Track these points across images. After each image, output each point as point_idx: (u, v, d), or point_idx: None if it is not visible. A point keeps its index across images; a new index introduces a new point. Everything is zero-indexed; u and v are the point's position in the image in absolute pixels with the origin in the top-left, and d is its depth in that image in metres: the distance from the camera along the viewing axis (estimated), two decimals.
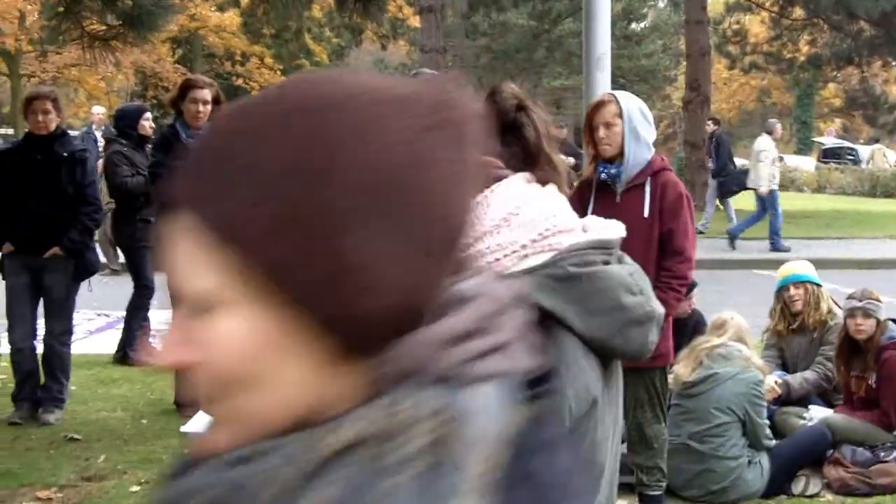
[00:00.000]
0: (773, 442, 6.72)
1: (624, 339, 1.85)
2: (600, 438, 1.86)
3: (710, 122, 25.94)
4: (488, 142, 1.92)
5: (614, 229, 1.95)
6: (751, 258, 19.71)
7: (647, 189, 5.73)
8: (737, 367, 6.64)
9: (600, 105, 5.74)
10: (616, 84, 6.50)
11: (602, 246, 1.88)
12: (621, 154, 5.71)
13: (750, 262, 19.22)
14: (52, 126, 8.10)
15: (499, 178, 1.89)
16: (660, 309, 1.92)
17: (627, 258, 1.97)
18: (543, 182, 1.96)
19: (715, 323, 6.97)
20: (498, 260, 1.84)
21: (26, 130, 8.29)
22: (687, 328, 7.67)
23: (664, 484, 6.03)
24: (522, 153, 1.94)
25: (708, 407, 6.58)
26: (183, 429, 2.08)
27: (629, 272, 1.89)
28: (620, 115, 5.67)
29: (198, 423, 2.12)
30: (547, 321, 1.81)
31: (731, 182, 23.57)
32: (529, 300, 1.79)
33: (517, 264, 1.83)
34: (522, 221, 1.86)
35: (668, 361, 5.91)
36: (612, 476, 1.98)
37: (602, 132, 5.69)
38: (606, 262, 1.88)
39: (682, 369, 6.56)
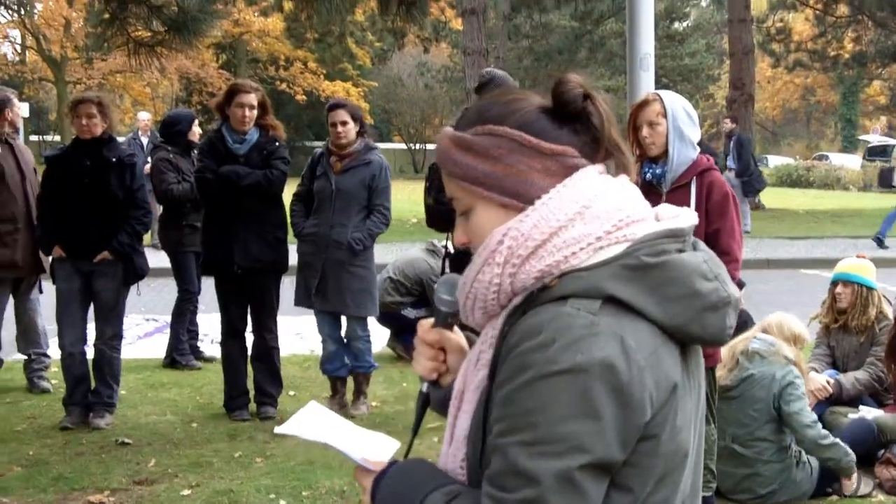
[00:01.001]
0: (823, 433, 6.60)
1: (701, 325, 1.87)
2: (681, 424, 1.87)
3: (727, 121, 25.74)
4: (558, 132, 1.95)
5: (686, 217, 1.98)
6: (797, 258, 19.58)
7: (693, 189, 5.71)
8: (773, 366, 6.57)
9: (644, 104, 5.73)
10: (659, 84, 6.50)
11: (675, 235, 1.92)
12: (666, 153, 5.70)
13: (796, 262, 19.10)
14: (98, 130, 8.14)
15: (575, 167, 1.92)
16: (736, 294, 1.95)
17: (702, 245, 2.00)
18: (615, 171, 1.99)
19: (760, 326, 6.91)
20: (574, 254, 1.87)
21: (74, 136, 8.35)
22: (736, 328, 7.64)
23: (714, 485, 6.00)
24: (592, 141, 1.96)
25: (747, 410, 6.53)
26: (277, 430, 2.13)
27: (703, 259, 1.92)
28: (664, 114, 5.66)
29: (293, 424, 2.17)
30: (621, 310, 1.82)
31: (755, 181, 23.42)
32: (603, 291, 1.81)
33: (592, 257, 1.87)
34: (596, 214, 1.89)
35: (716, 362, 5.88)
36: (696, 461, 2.01)
37: (646, 131, 5.69)
38: (680, 251, 1.90)
39: (719, 371, 6.50)
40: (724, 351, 6.55)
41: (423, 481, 1.98)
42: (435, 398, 2.22)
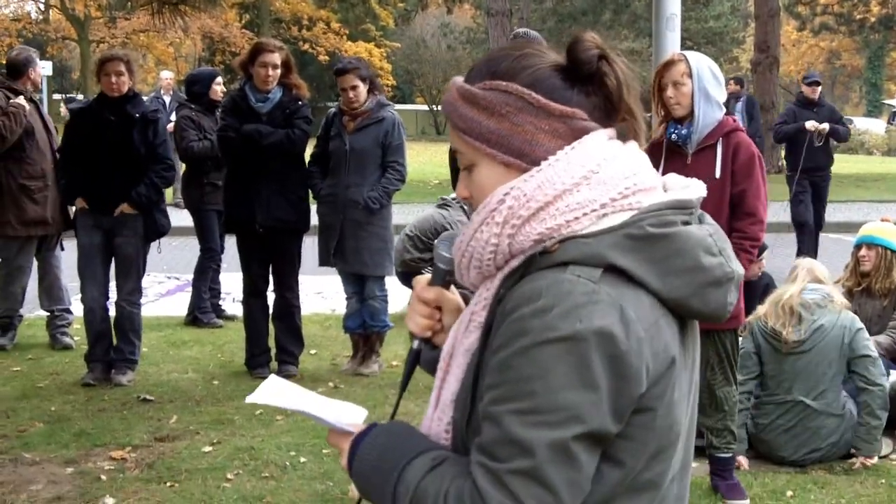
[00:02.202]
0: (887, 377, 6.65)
1: (702, 300, 1.83)
2: (677, 398, 1.84)
3: (730, 82, 25.03)
4: (569, 93, 1.90)
5: (694, 189, 1.93)
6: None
7: (719, 150, 5.68)
8: (835, 314, 6.53)
9: (670, 64, 5.69)
10: (684, 46, 6.46)
11: (682, 206, 1.86)
12: (692, 114, 5.66)
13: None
14: (125, 88, 8.16)
15: (583, 130, 1.87)
16: (739, 270, 1.90)
17: (708, 218, 1.95)
18: (625, 136, 1.94)
19: (794, 271, 6.82)
20: (577, 219, 1.82)
21: (99, 92, 8.36)
22: (757, 291, 7.62)
23: (734, 446, 6.00)
24: (604, 104, 1.91)
25: (819, 361, 6.47)
26: (248, 399, 2.09)
27: (709, 233, 1.87)
28: (690, 75, 5.62)
29: (260, 394, 2.13)
30: (622, 280, 1.78)
31: (761, 147, 23.23)
32: (605, 260, 1.78)
33: (595, 223, 1.82)
34: (602, 179, 1.84)
35: (739, 323, 5.86)
36: (687, 438, 1.97)
37: (671, 91, 5.65)
38: (686, 223, 1.86)
39: (782, 329, 6.45)
40: (774, 308, 6.51)
41: (406, 445, 1.92)
42: (426, 357, 2.16)
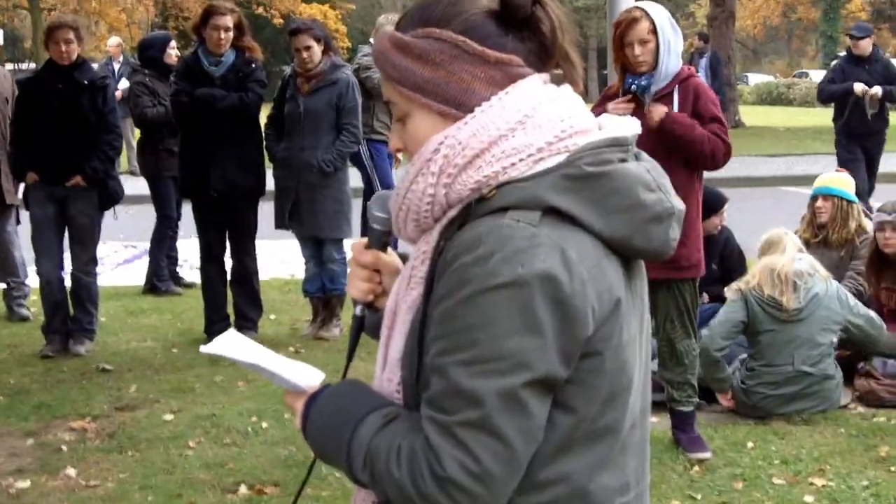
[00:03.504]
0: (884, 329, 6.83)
1: (645, 237, 1.81)
2: (625, 340, 1.82)
3: (696, 38, 24.54)
4: (504, 39, 1.86)
5: (629, 126, 1.90)
6: (777, 175, 19.57)
7: (675, 96, 5.71)
8: (825, 282, 6.66)
9: (633, 22, 5.63)
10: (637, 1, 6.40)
11: (618, 143, 1.84)
12: (654, 67, 5.66)
13: (777, 180, 19.10)
14: (74, 55, 8.03)
15: (519, 77, 1.84)
16: (680, 205, 1.88)
17: (644, 155, 1.93)
18: (559, 81, 1.90)
19: (772, 240, 6.86)
20: (514, 164, 1.80)
21: (47, 59, 8.24)
22: (717, 245, 7.64)
23: (696, 400, 6.02)
24: (539, 50, 1.88)
25: (817, 328, 6.54)
26: (202, 349, 2.07)
27: (646, 168, 1.85)
28: (654, 31, 5.60)
29: (215, 346, 2.10)
30: (563, 222, 1.75)
31: (722, 102, 23.31)
32: (543, 202, 1.75)
33: (532, 168, 1.79)
34: (538, 123, 1.81)
35: (698, 274, 5.84)
36: (644, 381, 1.96)
37: (637, 49, 5.62)
38: (623, 160, 1.83)
39: (780, 297, 6.49)
40: (770, 277, 6.54)
41: (358, 403, 1.89)
42: (370, 322, 2.13)
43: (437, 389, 1.75)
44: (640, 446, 1.96)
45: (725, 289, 6.99)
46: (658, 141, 5.44)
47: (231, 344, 2.12)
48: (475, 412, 1.71)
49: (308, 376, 2.04)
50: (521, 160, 1.80)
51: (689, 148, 5.60)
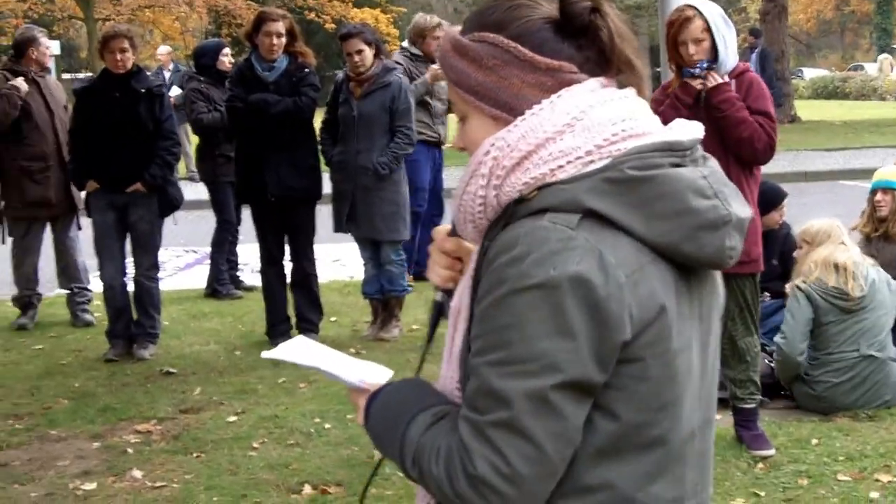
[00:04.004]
0: None
1: (696, 243, 1.78)
2: (676, 349, 1.79)
3: (747, 33, 24.44)
4: (559, 45, 1.86)
5: (690, 131, 1.89)
6: (835, 169, 19.41)
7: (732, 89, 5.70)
8: (872, 268, 6.72)
9: (686, 21, 5.62)
10: None
11: (671, 148, 1.81)
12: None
13: (835, 174, 18.94)
14: (129, 64, 8.14)
15: (571, 83, 1.84)
16: (742, 214, 1.83)
17: (711, 162, 1.90)
18: (623, 85, 1.90)
19: (823, 230, 6.81)
20: (561, 167, 1.79)
21: (102, 69, 8.35)
22: (777, 240, 7.59)
23: (758, 397, 6.00)
24: (598, 57, 1.87)
25: (879, 312, 6.61)
26: (263, 354, 2.11)
27: (703, 175, 1.81)
28: (708, 29, 5.58)
29: (278, 351, 2.14)
30: (604, 225, 1.75)
31: (777, 97, 23.14)
32: (582, 205, 1.75)
33: (581, 171, 1.79)
34: (587, 126, 1.79)
35: (758, 269, 5.82)
36: (707, 392, 1.93)
37: (692, 48, 5.61)
38: (677, 165, 1.81)
39: (845, 286, 6.48)
40: (827, 269, 6.55)
41: (413, 401, 1.92)
42: (449, 308, 2.12)
43: (471, 388, 1.78)
44: (701, 458, 1.94)
45: (787, 286, 6.95)
46: (710, 133, 5.44)
47: (293, 348, 2.17)
48: (505, 412, 1.72)
49: (377, 375, 2.08)
50: (568, 163, 1.80)
51: (730, 130, 5.57)
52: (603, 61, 1.88)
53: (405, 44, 10.52)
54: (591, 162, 1.79)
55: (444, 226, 2.16)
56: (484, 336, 1.77)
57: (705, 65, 5.64)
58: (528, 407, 1.71)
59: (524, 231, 1.76)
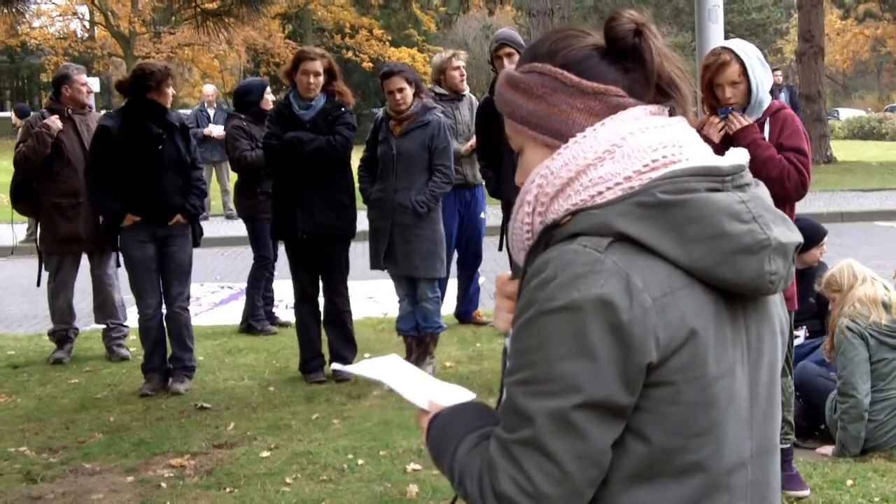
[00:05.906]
0: None
1: (731, 268, 1.76)
2: (715, 374, 1.79)
3: (777, 73, 24.35)
4: (605, 70, 1.89)
5: (733, 157, 1.89)
6: (871, 210, 19.30)
7: (767, 127, 5.71)
8: None
9: (723, 65, 5.61)
10: (727, 38, 6.40)
11: (709, 173, 1.81)
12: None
13: (871, 214, 18.83)
14: (169, 101, 8.28)
15: (619, 107, 1.86)
16: (784, 238, 1.82)
17: (760, 188, 1.90)
18: (672, 112, 1.91)
19: (856, 274, 6.71)
20: (601, 193, 1.81)
21: (127, 102, 8.41)
22: (814, 278, 7.56)
23: (792, 437, 5.95)
24: (644, 79, 1.89)
25: None
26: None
27: (741, 199, 1.80)
28: (745, 73, 5.59)
29: (360, 366, 2.18)
30: (635, 249, 1.76)
31: (813, 137, 23.09)
32: (613, 228, 1.77)
33: (617, 196, 1.81)
34: (626, 153, 1.80)
35: (792, 307, 5.80)
36: (764, 420, 1.92)
37: (728, 92, 5.61)
38: (714, 190, 1.81)
39: (874, 317, 6.44)
40: (876, 308, 6.49)
41: (464, 423, 1.95)
42: None
43: (503, 407, 1.83)
44: (753, 489, 1.93)
45: (829, 334, 6.88)
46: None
47: (378, 365, 2.21)
48: (528, 431, 1.75)
49: (457, 397, 2.10)
50: (608, 189, 1.82)
51: (760, 171, 5.56)
52: (649, 84, 1.90)
53: (430, 85, 10.58)
54: (631, 188, 1.80)
55: (506, 272, 2.18)
56: (514, 356, 1.81)
57: (728, 111, 5.65)
58: (550, 426, 1.74)
59: (555, 255, 1.79)
